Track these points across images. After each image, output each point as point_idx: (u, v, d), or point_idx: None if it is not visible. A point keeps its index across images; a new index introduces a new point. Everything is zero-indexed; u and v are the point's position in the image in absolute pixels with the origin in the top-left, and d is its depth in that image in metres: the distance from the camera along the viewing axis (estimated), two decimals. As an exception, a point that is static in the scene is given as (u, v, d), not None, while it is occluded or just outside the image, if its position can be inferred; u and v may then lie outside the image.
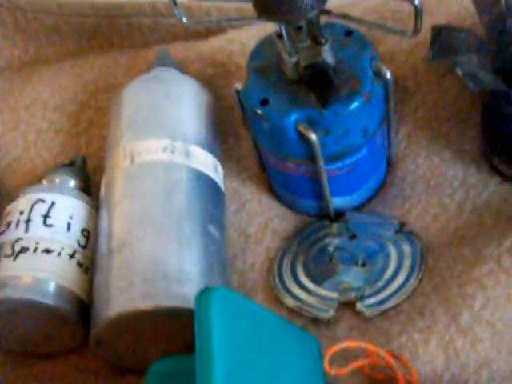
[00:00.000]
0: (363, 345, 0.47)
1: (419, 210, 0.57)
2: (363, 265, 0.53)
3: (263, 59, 0.54)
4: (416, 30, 0.45)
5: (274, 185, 0.60)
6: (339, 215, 0.58)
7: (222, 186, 0.57)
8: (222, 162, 0.61)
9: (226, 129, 0.65)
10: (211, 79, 0.68)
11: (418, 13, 0.44)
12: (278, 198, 0.61)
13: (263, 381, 0.41)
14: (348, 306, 0.52)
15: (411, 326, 0.50)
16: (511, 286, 0.49)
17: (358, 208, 0.59)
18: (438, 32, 0.56)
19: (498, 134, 0.57)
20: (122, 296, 0.48)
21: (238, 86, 0.54)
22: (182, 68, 0.67)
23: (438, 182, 0.59)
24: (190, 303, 0.43)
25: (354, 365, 0.47)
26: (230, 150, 0.64)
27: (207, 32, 0.72)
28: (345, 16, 0.47)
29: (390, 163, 0.61)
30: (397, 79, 0.64)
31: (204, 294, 0.39)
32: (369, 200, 0.59)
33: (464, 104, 0.61)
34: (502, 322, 0.48)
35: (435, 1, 0.64)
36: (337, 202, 0.57)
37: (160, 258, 0.49)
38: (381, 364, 0.47)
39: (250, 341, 0.41)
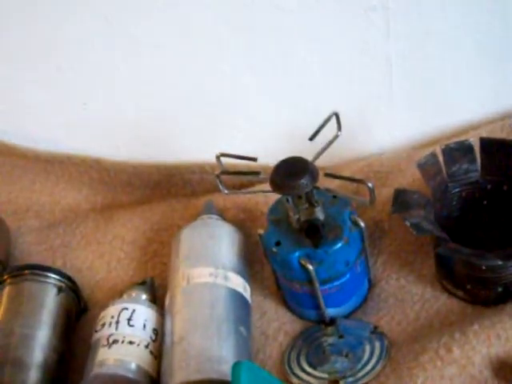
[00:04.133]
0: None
1: (388, 317, 0.79)
2: (346, 355, 0.75)
3: (278, 214, 0.77)
4: (372, 201, 0.69)
5: (287, 299, 0.82)
6: (332, 321, 0.79)
7: (249, 299, 0.80)
8: (250, 282, 0.83)
9: (253, 258, 0.86)
10: (242, 222, 0.90)
11: (371, 191, 0.68)
12: (289, 308, 0.82)
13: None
14: (334, 383, 0.74)
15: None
16: (444, 368, 0.69)
17: (346, 316, 0.80)
18: (398, 193, 0.77)
19: (444, 264, 0.78)
20: (181, 372, 0.71)
21: (261, 231, 0.77)
22: (222, 214, 0.89)
23: (403, 297, 0.80)
24: (227, 377, 0.67)
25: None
26: (255, 273, 0.86)
27: (241, 185, 0.95)
28: (327, 189, 0.73)
29: (371, 283, 0.83)
30: (376, 222, 0.87)
31: (237, 364, 0.63)
32: (354, 310, 0.80)
33: (425, 241, 0.83)
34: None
35: (398, 172, 0.89)
36: (330, 311, 0.79)
37: (206, 348, 0.72)
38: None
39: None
